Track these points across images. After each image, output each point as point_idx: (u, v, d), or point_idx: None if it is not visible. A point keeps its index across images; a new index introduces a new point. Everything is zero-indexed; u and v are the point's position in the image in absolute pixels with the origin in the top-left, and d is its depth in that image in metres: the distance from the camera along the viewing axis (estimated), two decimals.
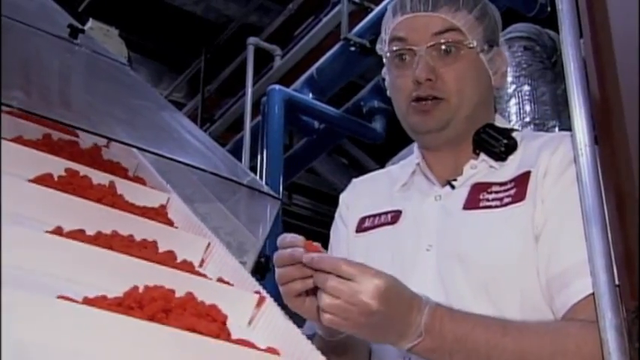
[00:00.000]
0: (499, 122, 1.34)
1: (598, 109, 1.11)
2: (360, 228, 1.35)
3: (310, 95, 4.30)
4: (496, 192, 1.24)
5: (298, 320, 1.13)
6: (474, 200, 1.25)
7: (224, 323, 1.02)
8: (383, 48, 1.35)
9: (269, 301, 1.17)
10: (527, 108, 3.23)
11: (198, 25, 5.37)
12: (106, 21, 2.87)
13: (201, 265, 1.30)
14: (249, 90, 4.48)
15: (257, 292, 1.19)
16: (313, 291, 1.08)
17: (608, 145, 1.08)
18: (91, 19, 2.74)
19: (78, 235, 1.12)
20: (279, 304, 1.13)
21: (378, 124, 4.41)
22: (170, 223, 1.41)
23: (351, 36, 3.95)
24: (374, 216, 1.35)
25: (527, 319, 1.14)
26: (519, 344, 1.07)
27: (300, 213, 5.71)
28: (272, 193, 1.75)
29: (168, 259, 1.19)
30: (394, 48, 1.31)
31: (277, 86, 4.23)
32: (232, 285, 1.21)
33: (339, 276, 1.02)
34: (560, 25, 1.14)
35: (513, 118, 3.17)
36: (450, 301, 1.18)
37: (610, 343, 0.99)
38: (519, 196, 1.21)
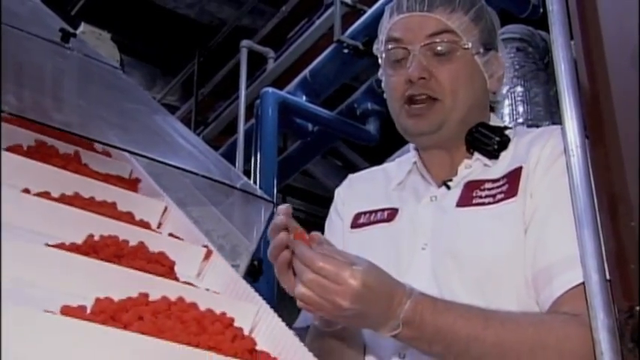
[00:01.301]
0: (492, 121, 1.35)
1: (589, 110, 1.11)
2: (355, 224, 1.36)
3: (304, 98, 4.30)
4: (489, 189, 1.24)
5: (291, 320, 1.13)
6: (467, 198, 1.25)
7: (172, 268, 1.19)
8: (379, 48, 1.36)
9: (216, 254, 1.31)
10: (521, 109, 3.24)
11: (191, 28, 5.36)
12: (99, 24, 2.86)
13: (158, 227, 1.42)
14: (243, 93, 4.48)
15: (205, 246, 1.32)
16: None
17: (599, 145, 1.09)
18: (83, 23, 2.73)
19: (44, 195, 1.26)
20: (276, 311, 1.12)
21: (371, 126, 4.41)
22: (134, 189, 1.52)
23: (344, 38, 3.95)
24: (369, 212, 1.35)
25: None
26: (500, 337, 1.08)
27: (294, 215, 5.69)
28: (265, 196, 1.75)
29: (124, 216, 1.32)
30: (389, 47, 1.31)
31: (271, 89, 4.23)
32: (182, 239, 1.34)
33: None
34: (551, 26, 1.14)
35: (506, 119, 3.18)
36: (444, 298, 1.18)
37: (602, 344, 0.99)
38: (511, 192, 1.21)
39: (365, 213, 1.36)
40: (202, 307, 1.05)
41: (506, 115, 3.20)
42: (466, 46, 1.28)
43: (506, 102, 3.25)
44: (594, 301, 1.01)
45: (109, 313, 0.95)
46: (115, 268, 1.09)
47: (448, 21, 1.28)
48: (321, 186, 5.40)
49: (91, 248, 1.13)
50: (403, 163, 1.40)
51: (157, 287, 1.06)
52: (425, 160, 1.34)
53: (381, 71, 1.36)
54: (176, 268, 1.21)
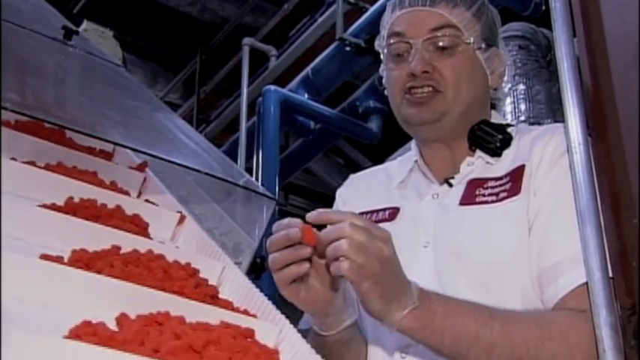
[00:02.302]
0: (494, 119, 1.35)
1: (591, 108, 1.11)
2: None
3: (306, 95, 4.30)
4: (492, 187, 1.24)
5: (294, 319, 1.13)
6: (470, 196, 1.25)
7: (145, 229, 1.30)
8: (381, 44, 1.36)
9: (190, 219, 1.40)
10: (523, 107, 3.24)
11: (193, 25, 5.36)
12: (101, 22, 2.87)
13: (138, 196, 1.52)
14: (245, 90, 4.48)
15: (179, 212, 1.42)
16: (308, 277, 1.08)
17: (602, 142, 1.09)
18: (85, 21, 2.74)
19: (29, 163, 1.36)
20: (279, 309, 1.12)
21: (373, 124, 4.41)
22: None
23: (347, 36, 3.95)
24: (371, 212, 1.35)
25: None
26: (506, 327, 1.08)
27: (296, 213, 5.68)
28: (267, 193, 1.75)
29: (104, 183, 1.43)
30: (391, 42, 1.31)
31: (273, 87, 4.23)
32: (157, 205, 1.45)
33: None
34: (553, 23, 1.14)
35: (509, 117, 3.17)
36: None
37: (605, 341, 0.99)
38: (514, 191, 1.21)
39: (367, 213, 1.36)
40: (170, 260, 1.15)
41: (508, 113, 3.20)
42: (468, 41, 1.28)
43: (509, 100, 3.24)
44: (597, 299, 1.01)
45: (84, 261, 1.05)
46: (91, 225, 1.19)
47: (450, 16, 1.28)
48: (323, 184, 5.39)
49: (70, 209, 1.23)
50: (404, 161, 1.40)
51: (129, 243, 1.16)
52: (426, 157, 1.34)
53: (382, 67, 1.37)
54: (150, 230, 1.31)
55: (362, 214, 1.36)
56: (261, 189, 1.78)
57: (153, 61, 5.64)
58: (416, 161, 1.35)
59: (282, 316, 1.07)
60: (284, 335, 1.08)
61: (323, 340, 1.18)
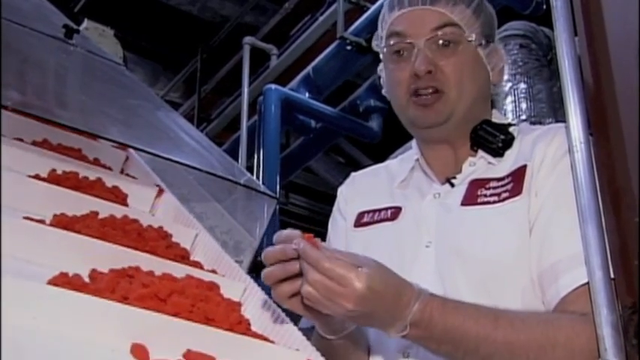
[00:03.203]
0: (496, 118, 1.35)
1: (593, 107, 1.11)
2: (359, 223, 1.35)
3: (307, 94, 4.30)
4: (494, 187, 1.24)
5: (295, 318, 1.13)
6: (472, 196, 1.25)
7: (124, 199, 1.41)
8: (380, 44, 1.35)
9: (168, 193, 1.49)
10: (524, 106, 3.23)
11: (194, 24, 5.36)
12: (102, 21, 2.87)
13: (121, 173, 1.63)
14: (246, 89, 4.48)
15: (158, 186, 1.51)
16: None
17: (603, 141, 1.09)
18: (86, 20, 2.74)
19: (16, 139, 1.45)
20: (279, 307, 1.12)
21: (374, 123, 4.41)
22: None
23: (347, 35, 3.95)
24: (373, 211, 1.35)
25: None
26: (509, 336, 1.07)
27: (297, 212, 5.70)
28: (268, 192, 1.75)
29: (87, 159, 1.53)
30: (392, 42, 1.31)
31: (273, 86, 4.23)
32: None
33: None
34: (555, 22, 1.14)
35: (510, 115, 3.17)
36: (448, 296, 1.18)
37: (606, 340, 0.99)
38: (516, 191, 1.21)
39: (368, 212, 1.35)
40: (144, 224, 1.27)
41: (509, 112, 3.20)
42: (470, 39, 1.28)
43: (510, 99, 3.24)
44: (598, 298, 1.01)
45: (63, 224, 1.16)
46: (71, 193, 1.29)
47: (451, 14, 1.28)
48: (324, 183, 5.40)
49: (53, 180, 1.33)
50: (405, 160, 1.39)
51: (107, 209, 1.27)
52: (427, 157, 1.34)
53: (380, 66, 1.36)
54: (129, 201, 1.42)
55: (364, 213, 1.36)
56: (262, 188, 1.79)
57: (154, 60, 5.64)
58: (417, 160, 1.35)
59: (249, 277, 1.15)
60: (249, 293, 1.17)
61: (327, 343, 1.18)
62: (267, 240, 1.46)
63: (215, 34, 5.45)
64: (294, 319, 1.12)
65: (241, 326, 1.06)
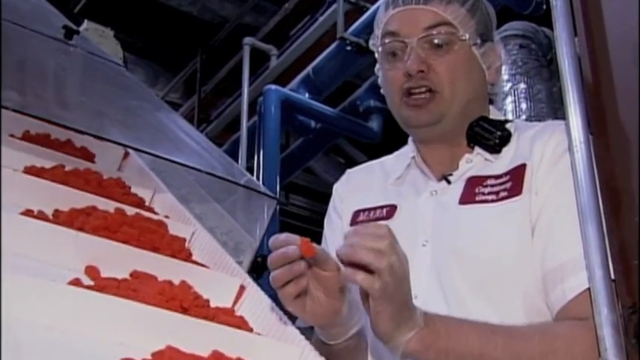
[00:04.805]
0: (493, 115, 1.34)
1: (593, 106, 1.11)
2: (355, 222, 1.34)
3: (306, 95, 4.29)
4: (492, 185, 1.24)
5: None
6: (469, 194, 1.24)
7: (92, 158, 1.58)
8: (375, 43, 1.35)
9: (133, 154, 1.61)
10: (524, 106, 3.23)
11: (193, 25, 5.36)
12: (102, 22, 2.86)
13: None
14: (246, 90, 4.48)
15: (125, 149, 1.62)
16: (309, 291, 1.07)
17: (603, 140, 1.08)
18: (86, 20, 2.74)
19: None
20: (281, 309, 1.12)
21: (374, 123, 4.40)
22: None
23: (347, 35, 3.94)
24: (369, 210, 1.34)
25: (527, 316, 1.14)
26: (510, 344, 1.07)
27: (297, 213, 5.70)
28: (268, 192, 1.75)
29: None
30: (386, 42, 1.30)
31: (273, 86, 4.23)
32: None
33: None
34: (555, 22, 1.14)
35: (510, 116, 3.17)
36: (446, 296, 1.18)
37: (606, 340, 0.99)
38: (515, 191, 1.20)
39: (364, 210, 1.35)
40: (105, 177, 1.46)
41: (509, 112, 3.20)
42: (463, 38, 1.27)
43: (509, 99, 3.24)
44: (598, 298, 1.01)
45: (33, 172, 1.33)
46: (41, 149, 1.45)
47: (445, 13, 1.27)
48: (324, 183, 5.39)
49: (25, 138, 1.47)
50: (401, 156, 1.39)
51: (72, 164, 1.44)
52: (424, 154, 1.33)
53: (377, 66, 1.36)
54: (96, 161, 1.59)
55: (360, 211, 1.35)
56: (262, 188, 1.78)
57: (153, 61, 5.64)
58: (413, 157, 1.34)
59: (196, 221, 1.34)
60: (197, 235, 1.35)
61: (329, 348, 1.17)
62: (267, 241, 1.46)
63: (215, 35, 5.44)
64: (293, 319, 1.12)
65: (183, 254, 1.26)
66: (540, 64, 3.36)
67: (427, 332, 1.05)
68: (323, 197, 5.48)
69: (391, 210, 1.31)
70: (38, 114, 1.45)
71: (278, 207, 2.19)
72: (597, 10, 1.13)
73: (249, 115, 4.38)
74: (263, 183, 3.44)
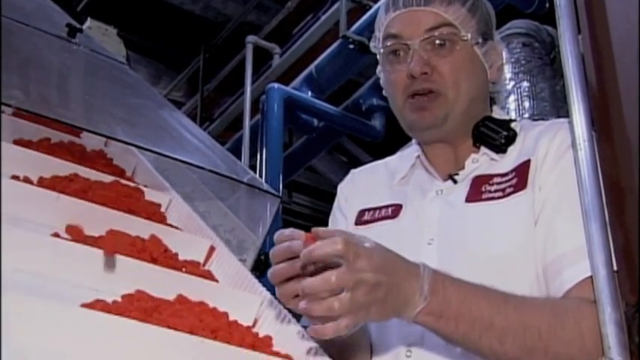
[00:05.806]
0: (497, 114, 1.34)
1: (596, 104, 1.11)
2: (360, 221, 1.35)
3: (309, 93, 4.30)
4: (498, 183, 1.24)
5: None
6: (476, 193, 1.24)
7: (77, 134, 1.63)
8: (377, 46, 1.35)
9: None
10: (527, 104, 3.23)
11: (196, 24, 5.37)
12: (105, 20, 2.87)
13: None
14: (248, 88, 4.48)
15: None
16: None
17: (607, 139, 1.09)
18: (89, 19, 2.74)
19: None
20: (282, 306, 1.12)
21: (377, 122, 4.41)
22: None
23: (350, 34, 3.95)
24: (374, 209, 1.34)
25: None
26: (521, 312, 1.06)
27: (300, 211, 5.71)
28: (272, 190, 1.75)
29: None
30: (388, 44, 1.30)
31: (276, 84, 4.23)
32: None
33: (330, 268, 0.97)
34: (558, 20, 1.14)
35: (512, 114, 3.17)
36: None
37: (610, 338, 0.99)
38: (520, 185, 1.21)
39: (369, 210, 1.35)
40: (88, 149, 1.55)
41: (512, 110, 3.19)
42: (465, 38, 1.27)
43: (512, 97, 3.24)
44: (602, 295, 1.01)
45: (21, 144, 1.41)
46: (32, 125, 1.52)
47: (446, 14, 1.27)
48: (327, 182, 5.40)
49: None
50: (405, 156, 1.39)
51: (58, 137, 1.52)
52: (429, 154, 1.33)
53: (379, 68, 1.36)
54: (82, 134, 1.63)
55: (364, 211, 1.35)
56: (265, 186, 1.79)
57: (156, 59, 5.65)
58: (418, 157, 1.35)
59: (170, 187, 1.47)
60: (174, 203, 1.46)
61: (330, 341, 1.17)
62: (270, 239, 1.46)
63: (218, 33, 5.45)
64: (296, 318, 1.12)
65: (157, 216, 1.37)
66: (543, 62, 3.36)
67: (436, 303, 1.03)
68: (326, 196, 5.50)
69: (396, 209, 1.32)
70: (41, 112, 1.45)
71: (281, 205, 2.19)
72: (601, 8, 1.13)
73: (252, 114, 4.38)
74: (266, 181, 3.44)
